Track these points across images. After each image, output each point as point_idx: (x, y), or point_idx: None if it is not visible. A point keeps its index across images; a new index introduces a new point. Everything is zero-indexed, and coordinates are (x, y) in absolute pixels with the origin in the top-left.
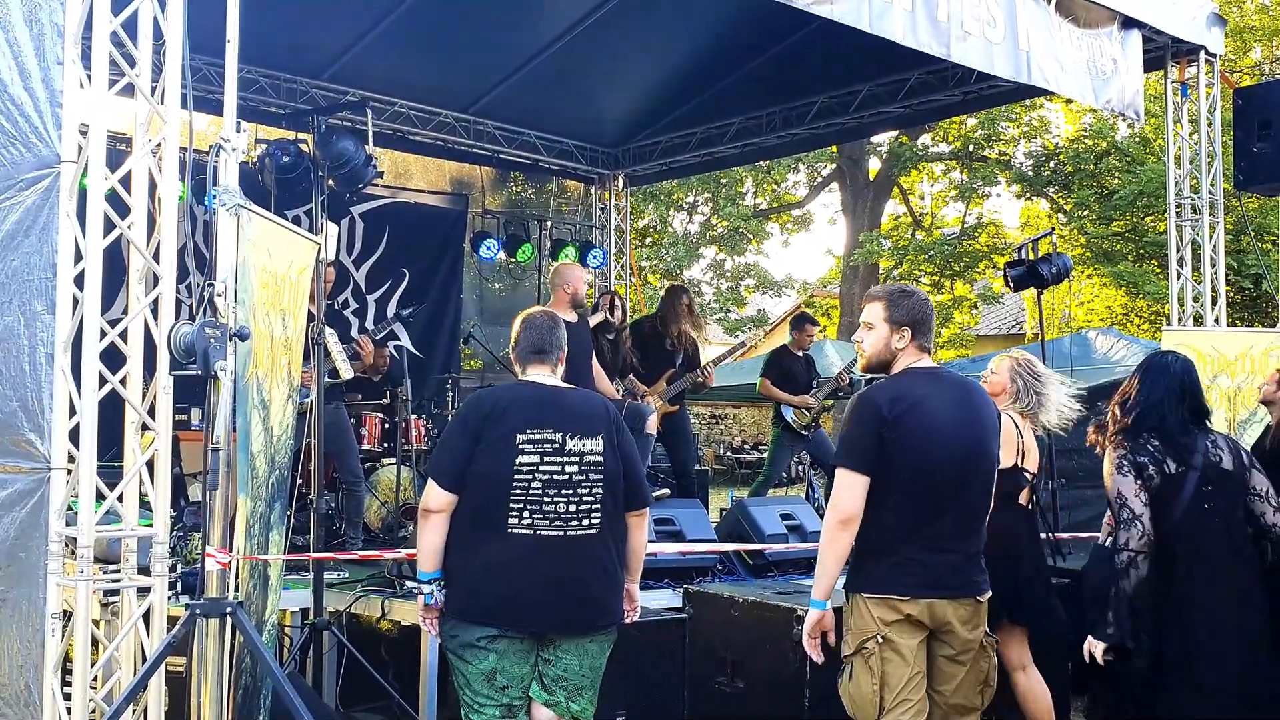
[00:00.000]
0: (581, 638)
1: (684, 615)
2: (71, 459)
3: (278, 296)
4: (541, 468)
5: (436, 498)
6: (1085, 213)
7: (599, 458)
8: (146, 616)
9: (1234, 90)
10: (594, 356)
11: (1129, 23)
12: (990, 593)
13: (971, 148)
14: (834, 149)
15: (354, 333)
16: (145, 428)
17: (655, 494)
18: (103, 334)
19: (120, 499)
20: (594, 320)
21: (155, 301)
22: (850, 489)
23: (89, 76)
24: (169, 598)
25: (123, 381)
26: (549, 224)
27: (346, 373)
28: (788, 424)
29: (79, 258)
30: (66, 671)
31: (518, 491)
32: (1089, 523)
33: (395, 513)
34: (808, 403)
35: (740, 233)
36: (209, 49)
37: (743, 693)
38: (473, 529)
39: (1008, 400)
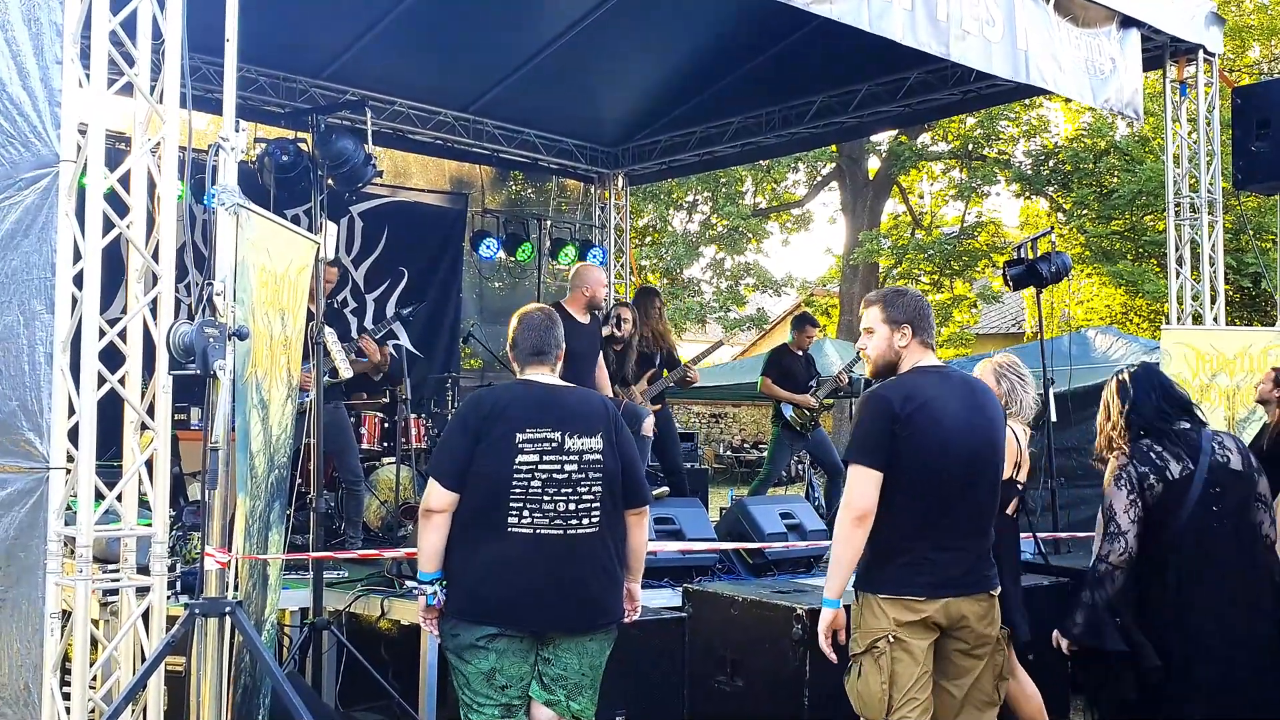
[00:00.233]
0: (581, 637)
1: (684, 614)
2: (70, 458)
3: (277, 296)
4: (541, 467)
5: (438, 497)
6: (1084, 212)
7: (598, 456)
8: (145, 616)
9: (1233, 89)
10: (600, 359)
11: (1127, 22)
12: (1000, 588)
13: (971, 147)
14: (833, 148)
15: (353, 332)
16: (144, 427)
17: (654, 493)
18: (102, 333)
19: (119, 498)
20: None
21: (154, 301)
22: (864, 485)
23: (88, 76)
24: (168, 597)
25: (122, 381)
26: (548, 223)
27: (346, 372)
28: (787, 423)
29: (78, 257)
30: (66, 671)
31: (517, 491)
32: (1088, 522)
33: (395, 512)
34: (808, 402)
35: (740, 232)
36: (208, 48)
37: (742, 692)
38: (473, 528)
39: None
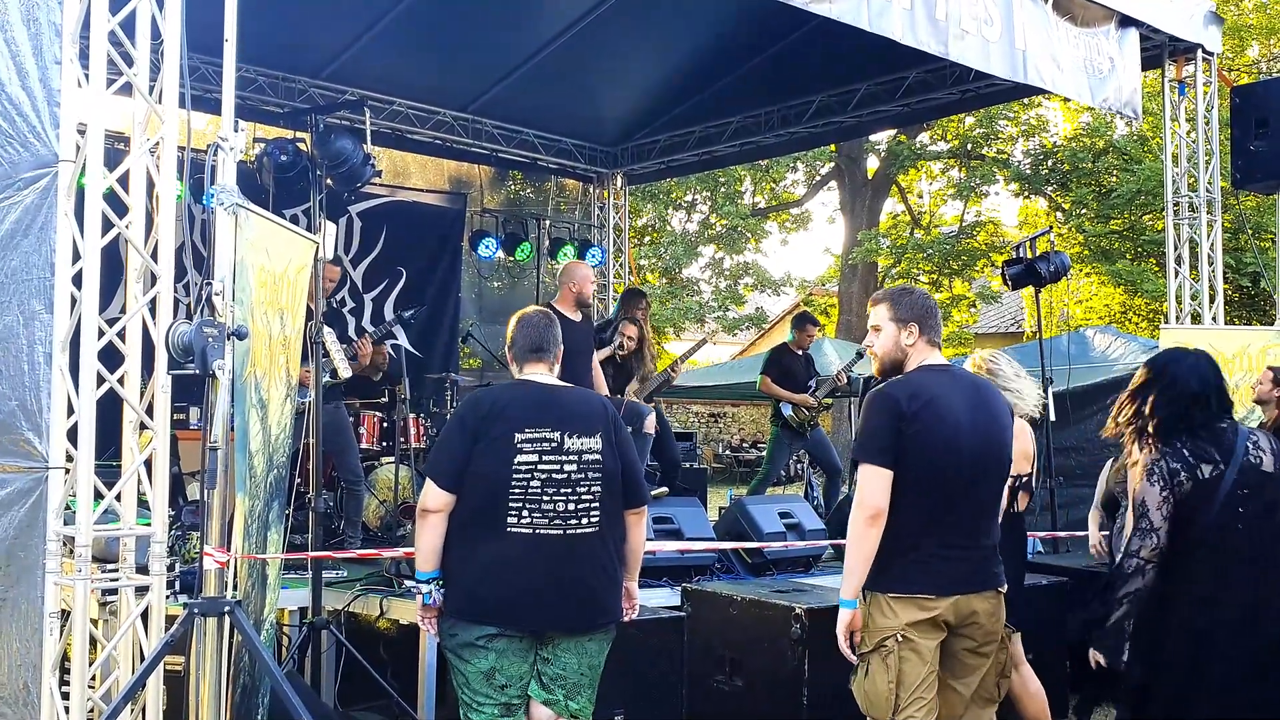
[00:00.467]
0: (580, 636)
1: (682, 614)
2: (70, 458)
3: (276, 296)
4: (540, 466)
5: (435, 497)
6: (1083, 211)
7: (597, 456)
8: (145, 615)
9: (1231, 88)
10: (594, 357)
11: (1126, 21)
12: (1007, 585)
13: (970, 146)
14: (832, 148)
15: (351, 332)
16: (143, 427)
17: (654, 492)
18: (101, 333)
19: (118, 498)
20: (603, 354)
21: (153, 301)
22: (876, 484)
23: (87, 76)
24: (167, 597)
25: (121, 381)
26: (547, 223)
27: (345, 372)
28: (786, 422)
29: (77, 257)
30: (65, 671)
31: (516, 490)
32: (1086, 522)
33: (394, 512)
34: (807, 401)
35: (739, 231)
36: (207, 48)
37: (741, 691)
38: (471, 528)
39: None
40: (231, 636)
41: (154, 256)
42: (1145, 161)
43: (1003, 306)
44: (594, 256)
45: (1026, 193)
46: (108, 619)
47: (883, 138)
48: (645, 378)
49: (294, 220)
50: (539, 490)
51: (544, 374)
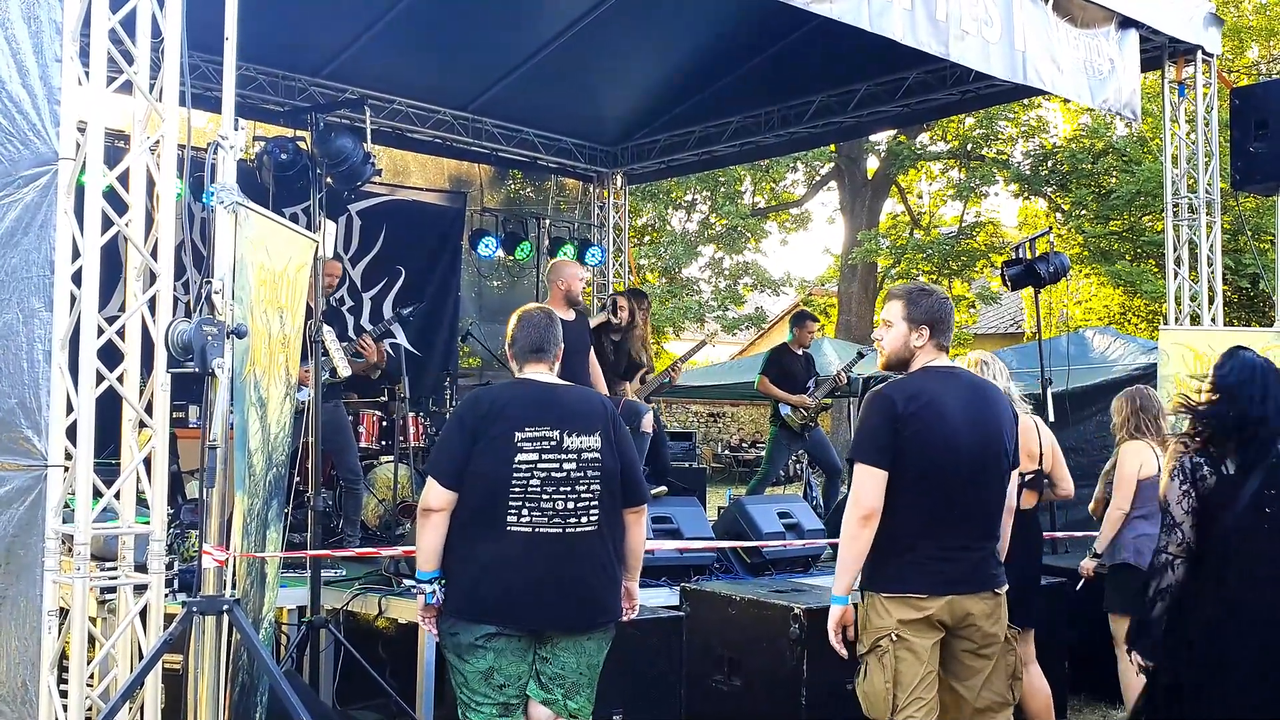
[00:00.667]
0: (580, 636)
1: (681, 613)
2: (69, 456)
3: (275, 294)
4: (540, 465)
5: (437, 496)
6: (1083, 212)
7: (597, 455)
8: (143, 614)
9: (1231, 90)
10: (592, 355)
11: (1126, 22)
12: (1008, 586)
13: (969, 147)
14: (832, 148)
15: (350, 330)
16: (142, 425)
17: (653, 492)
18: (100, 331)
19: (117, 496)
20: (596, 320)
21: (153, 299)
22: (870, 484)
23: (87, 74)
24: (166, 595)
25: (120, 379)
26: (547, 222)
27: (344, 370)
28: (785, 422)
29: (77, 255)
30: (63, 669)
31: (516, 489)
32: (1086, 522)
33: (393, 510)
34: (804, 402)
35: (739, 231)
36: (207, 46)
37: (740, 691)
38: (471, 527)
39: None
40: (230, 635)
41: (154, 255)
42: (1145, 163)
43: (1002, 307)
44: (594, 256)
45: (1026, 194)
46: (106, 617)
47: (882, 138)
48: (645, 378)
49: (294, 219)
50: (539, 489)
51: (544, 373)
